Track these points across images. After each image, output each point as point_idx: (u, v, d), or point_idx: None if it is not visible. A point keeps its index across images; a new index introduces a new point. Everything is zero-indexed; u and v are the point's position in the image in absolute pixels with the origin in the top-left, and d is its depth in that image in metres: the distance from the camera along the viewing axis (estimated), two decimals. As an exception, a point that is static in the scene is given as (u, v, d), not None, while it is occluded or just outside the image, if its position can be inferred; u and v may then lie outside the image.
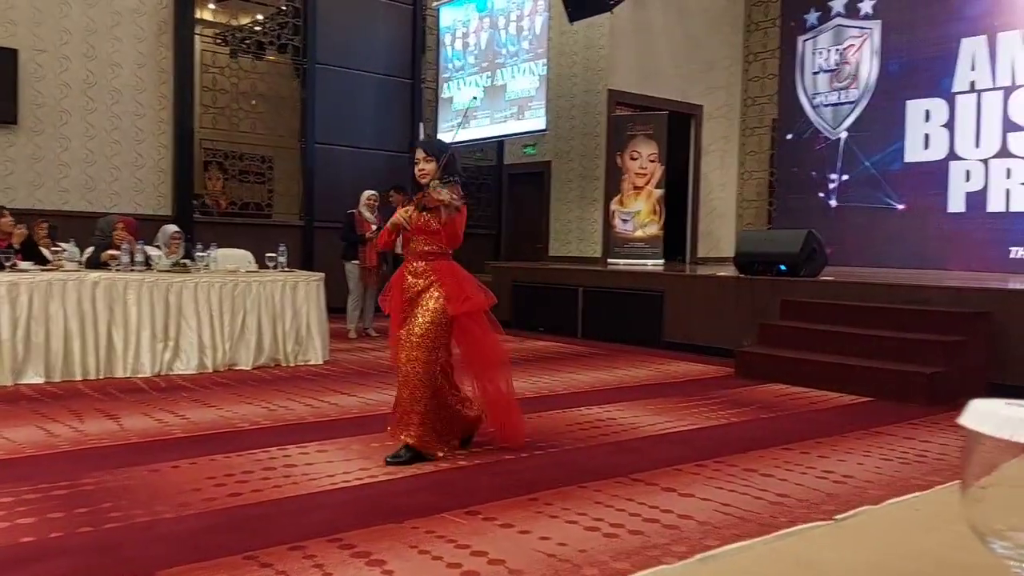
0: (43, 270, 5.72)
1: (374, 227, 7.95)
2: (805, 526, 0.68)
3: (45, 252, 6.23)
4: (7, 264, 5.62)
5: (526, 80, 10.01)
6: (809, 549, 0.63)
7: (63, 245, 6.60)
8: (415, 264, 3.79)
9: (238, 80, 10.42)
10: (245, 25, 10.87)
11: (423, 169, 3.74)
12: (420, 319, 3.70)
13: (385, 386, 5.67)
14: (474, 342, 3.90)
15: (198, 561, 2.50)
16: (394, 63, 11.35)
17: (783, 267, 7.24)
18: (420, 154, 3.78)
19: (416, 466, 3.65)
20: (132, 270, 5.94)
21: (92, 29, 8.95)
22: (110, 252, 6.09)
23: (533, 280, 9.74)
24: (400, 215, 3.82)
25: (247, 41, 10.63)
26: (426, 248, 3.78)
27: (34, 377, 5.39)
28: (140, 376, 5.73)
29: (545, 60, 9.78)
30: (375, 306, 8.35)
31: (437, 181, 3.71)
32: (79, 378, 5.55)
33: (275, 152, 11.02)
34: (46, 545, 2.63)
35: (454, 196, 3.67)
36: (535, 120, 9.92)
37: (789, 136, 11.09)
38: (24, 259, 5.81)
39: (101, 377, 5.62)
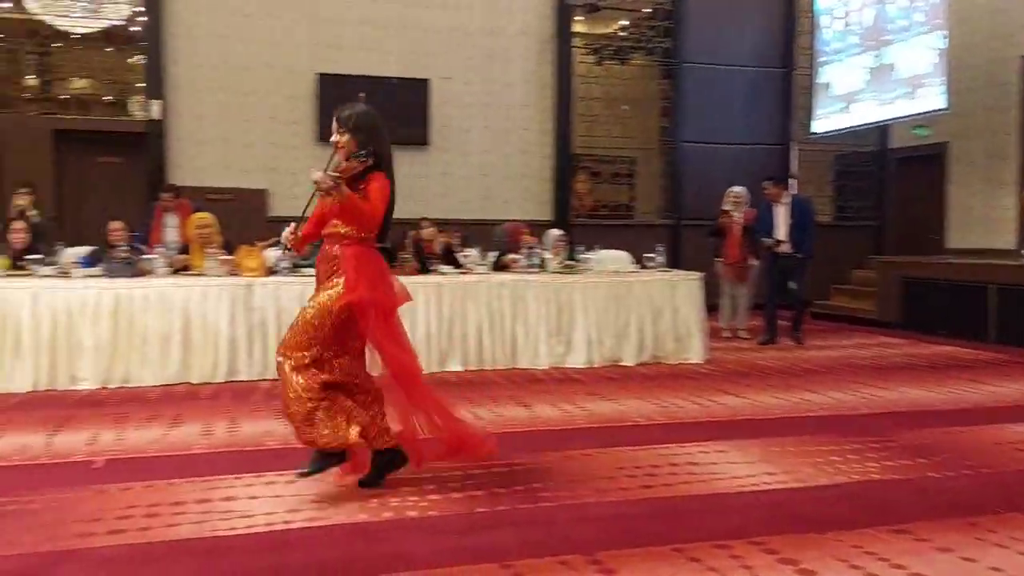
0: (459, 273, 6.53)
1: (738, 225, 7.82)
2: None
3: (457, 257, 7.09)
4: (431, 269, 6.52)
5: (919, 55, 9.01)
6: None
7: (469, 251, 7.46)
8: (327, 248, 3.27)
9: (609, 87, 10.93)
10: (610, 33, 11.34)
11: (335, 141, 3.22)
12: (307, 311, 3.20)
13: (772, 388, 5.53)
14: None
15: (629, 547, 2.66)
16: (764, 53, 10.98)
17: None
18: (334, 125, 3.23)
19: (827, 476, 3.48)
20: (530, 272, 6.52)
21: (489, 55, 10.00)
22: (511, 256, 6.75)
23: (928, 276, 8.75)
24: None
25: (612, 48, 11.09)
26: (339, 230, 3.19)
27: (455, 365, 6.17)
28: (538, 368, 6.26)
29: (944, 31, 8.71)
30: (749, 304, 8.21)
31: (339, 160, 3.20)
32: (489, 368, 6.22)
33: (637, 154, 11.35)
34: (496, 516, 2.99)
35: (329, 179, 3.02)
36: (931, 98, 8.88)
37: None
38: (444, 264, 6.68)
39: (506, 367, 6.24)
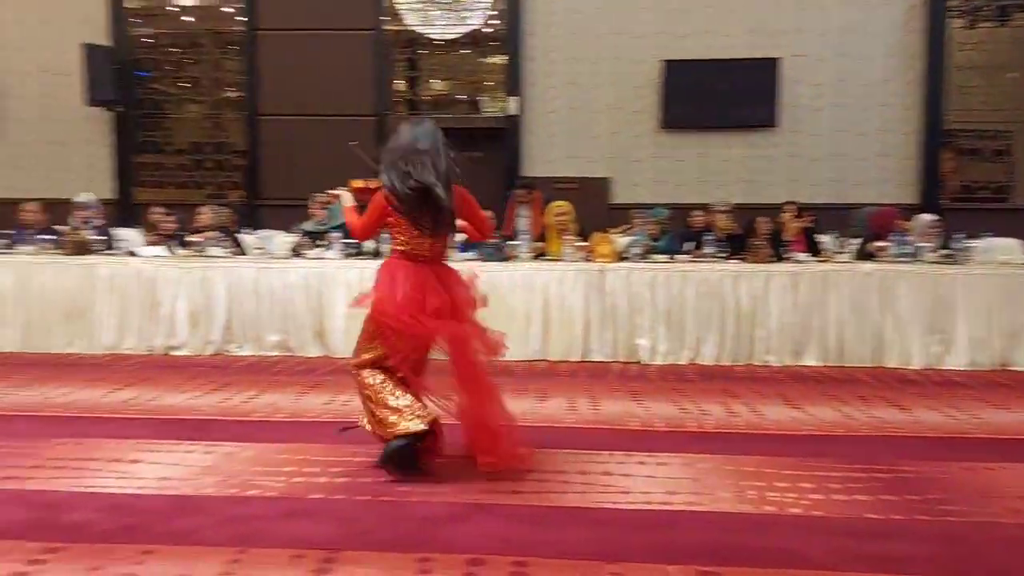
0: (817, 261, 6.15)
1: None
2: None
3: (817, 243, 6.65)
4: (785, 256, 6.21)
5: None
6: None
7: (822, 237, 6.97)
8: None
9: (990, 53, 9.52)
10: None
11: None
12: None
13: None
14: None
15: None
16: None
17: None
18: None
19: None
20: (901, 261, 5.93)
21: (848, 28, 9.25)
22: (877, 243, 6.20)
23: None
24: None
25: (989, 8, 9.61)
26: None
27: (811, 360, 5.81)
28: (909, 368, 5.67)
29: None
30: None
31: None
32: (849, 364, 5.76)
33: (1015, 127, 9.72)
34: (892, 525, 2.75)
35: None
36: None
37: None
38: (802, 251, 6.32)
39: (871, 365, 5.73)
